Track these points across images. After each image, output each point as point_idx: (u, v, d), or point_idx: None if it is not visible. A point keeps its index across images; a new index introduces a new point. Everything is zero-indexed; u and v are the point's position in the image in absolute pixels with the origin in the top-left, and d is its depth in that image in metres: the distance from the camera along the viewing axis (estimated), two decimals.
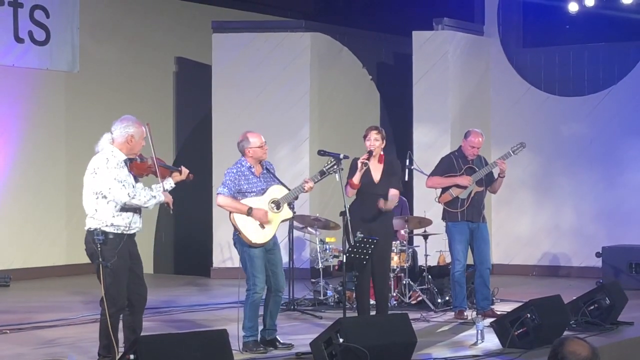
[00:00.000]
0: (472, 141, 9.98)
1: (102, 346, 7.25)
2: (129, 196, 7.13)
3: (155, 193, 7.28)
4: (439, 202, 10.12)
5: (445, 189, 10.03)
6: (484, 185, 10.06)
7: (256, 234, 8.23)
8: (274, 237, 8.37)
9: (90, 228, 7.19)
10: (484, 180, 10.04)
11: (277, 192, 8.36)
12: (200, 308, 10.89)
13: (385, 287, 9.17)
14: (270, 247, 8.34)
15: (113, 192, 7.11)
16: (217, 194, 8.33)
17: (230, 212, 8.26)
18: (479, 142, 9.99)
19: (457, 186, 9.94)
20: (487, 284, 10.04)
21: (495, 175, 10.14)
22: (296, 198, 8.47)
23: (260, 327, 8.38)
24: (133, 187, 7.21)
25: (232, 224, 8.27)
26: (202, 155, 14.14)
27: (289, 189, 8.41)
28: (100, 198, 7.15)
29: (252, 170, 8.32)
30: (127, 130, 7.24)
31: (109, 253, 7.10)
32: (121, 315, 7.31)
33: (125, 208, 7.18)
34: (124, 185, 7.14)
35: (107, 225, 7.14)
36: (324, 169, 8.49)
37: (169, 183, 7.42)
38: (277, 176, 8.52)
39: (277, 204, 8.31)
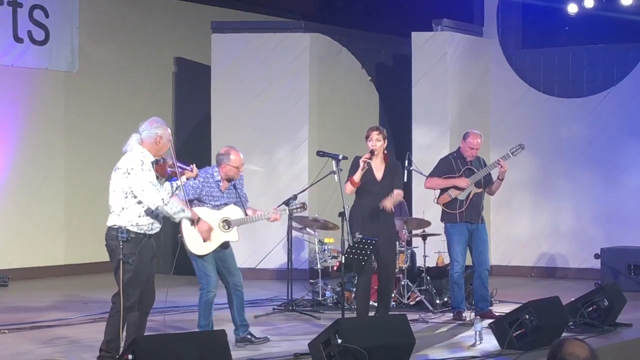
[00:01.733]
0: (471, 142, 9.97)
1: (105, 341, 7.23)
2: (163, 201, 7.12)
3: (184, 207, 7.29)
4: (437, 203, 10.13)
5: (444, 190, 10.03)
6: (482, 186, 10.06)
7: (195, 245, 8.32)
8: None
9: (114, 225, 7.15)
10: (483, 181, 10.04)
11: (232, 212, 8.39)
12: None
13: (390, 287, 9.18)
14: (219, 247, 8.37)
15: (147, 195, 7.08)
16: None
17: None
18: (478, 143, 9.98)
19: (456, 187, 9.95)
20: (486, 285, 10.04)
21: (495, 177, 10.14)
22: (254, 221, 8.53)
23: (234, 328, 8.44)
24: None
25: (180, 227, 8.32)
26: (201, 156, 14.07)
27: (246, 213, 8.43)
28: (130, 197, 7.13)
29: (219, 185, 8.35)
30: (156, 131, 7.27)
31: (131, 250, 7.11)
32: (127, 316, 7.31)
33: (149, 211, 7.17)
34: (158, 189, 7.14)
35: (132, 225, 7.13)
36: (290, 209, 8.85)
37: (182, 180, 7.44)
38: (244, 190, 8.55)
39: (228, 224, 8.35)
